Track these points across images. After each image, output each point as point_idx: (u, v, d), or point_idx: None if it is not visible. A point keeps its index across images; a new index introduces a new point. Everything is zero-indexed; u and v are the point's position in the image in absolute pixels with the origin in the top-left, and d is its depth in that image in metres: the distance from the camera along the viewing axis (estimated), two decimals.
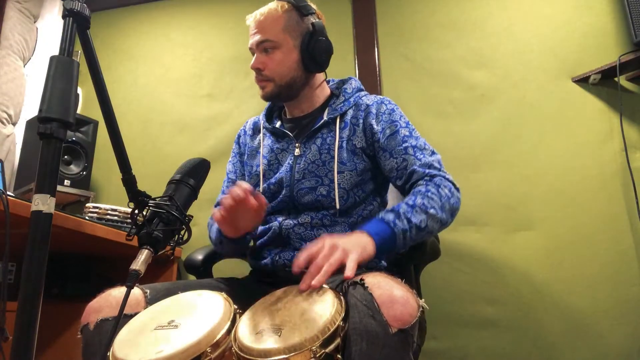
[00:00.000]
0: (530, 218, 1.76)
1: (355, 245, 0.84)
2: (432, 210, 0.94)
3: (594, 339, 1.61)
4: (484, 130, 1.89)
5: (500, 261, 1.75)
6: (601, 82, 1.80)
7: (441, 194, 0.98)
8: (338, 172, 1.07)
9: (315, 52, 1.10)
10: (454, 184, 1.03)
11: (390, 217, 0.92)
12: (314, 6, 1.14)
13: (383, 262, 1.09)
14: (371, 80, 2.05)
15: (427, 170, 1.03)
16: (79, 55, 1.86)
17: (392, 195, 1.38)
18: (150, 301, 0.92)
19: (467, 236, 1.79)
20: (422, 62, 2.04)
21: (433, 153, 1.08)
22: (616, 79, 1.76)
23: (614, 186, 1.71)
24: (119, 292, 0.90)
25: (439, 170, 1.04)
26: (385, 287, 0.74)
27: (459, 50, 2.00)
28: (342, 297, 0.77)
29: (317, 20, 1.11)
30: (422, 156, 1.05)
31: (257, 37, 1.10)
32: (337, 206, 1.06)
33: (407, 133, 1.09)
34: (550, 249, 1.72)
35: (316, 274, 0.78)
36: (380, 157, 1.09)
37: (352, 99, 1.15)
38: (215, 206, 1.27)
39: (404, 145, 1.07)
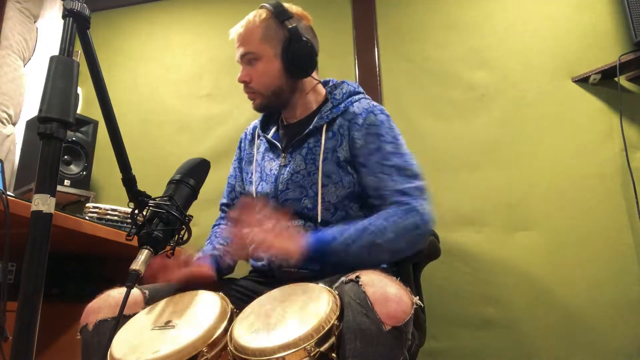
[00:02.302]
0: (530, 218, 1.76)
1: (281, 246, 0.90)
2: (380, 239, 0.91)
3: (594, 339, 1.60)
4: (484, 130, 1.89)
5: (500, 261, 1.75)
6: (601, 82, 1.80)
7: (403, 223, 0.93)
8: (323, 186, 1.05)
9: (295, 57, 1.07)
10: (425, 214, 0.95)
11: (335, 232, 0.94)
12: (295, 9, 1.12)
13: (383, 264, 1.09)
14: (371, 80, 2.05)
15: (398, 199, 0.97)
16: (79, 55, 1.86)
17: None
18: (148, 301, 0.92)
19: (467, 236, 1.79)
20: (422, 62, 2.04)
21: (414, 177, 1.00)
22: (616, 79, 1.75)
23: (614, 186, 1.71)
24: (117, 292, 0.90)
25: (414, 198, 0.96)
26: (378, 285, 0.74)
27: (459, 50, 2.00)
28: (337, 296, 0.78)
29: (293, 25, 1.07)
30: (399, 179, 0.99)
31: (240, 51, 1.11)
32: (319, 219, 1.04)
33: (391, 149, 1.03)
34: (550, 249, 1.72)
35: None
36: (360, 172, 1.05)
37: (341, 105, 1.11)
38: (220, 209, 1.28)
39: (384, 163, 1.01)
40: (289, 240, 0.90)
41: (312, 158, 1.08)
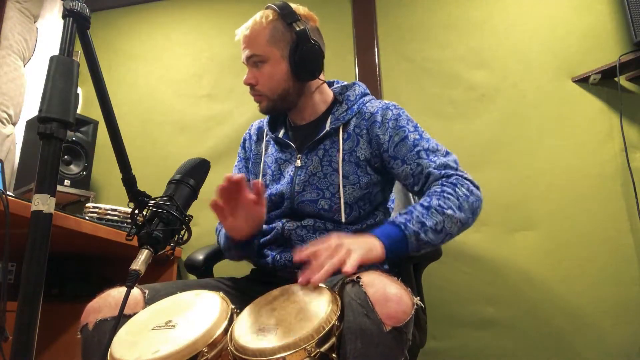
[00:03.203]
0: (530, 218, 1.76)
1: (361, 246, 0.83)
2: (449, 211, 0.91)
3: (594, 339, 1.61)
4: (484, 130, 1.89)
5: (500, 261, 1.75)
6: (601, 82, 1.80)
7: (458, 193, 0.94)
8: (342, 186, 1.06)
9: (302, 60, 1.06)
10: (472, 182, 0.98)
11: (401, 219, 0.90)
12: (302, 10, 1.11)
13: (386, 265, 1.09)
14: (371, 80, 2.05)
15: (443, 171, 0.99)
16: (79, 55, 1.86)
17: (396, 195, 1.38)
18: (149, 301, 0.92)
19: (467, 236, 1.78)
20: (422, 63, 2.04)
21: (447, 153, 1.04)
22: (616, 79, 1.76)
23: (614, 186, 1.71)
24: (118, 292, 0.90)
25: (456, 170, 1.00)
26: (379, 285, 0.74)
27: (459, 50, 2.00)
28: (338, 296, 0.77)
29: (301, 28, 1.05)
30: (436, 158, 1.01)
31: (246, 52, 1.09)
32: (343, 220, 1.05)
33: (417, 136, 1.05)
34: (550, 249, 1.72)
35: (317, 271, 0.78)
36: (392, 166, 1.06)
37: (355, 107, 1.12)
38: None
39: (415, 149, 1.03)
40: (361, 238, 0.86)
41: (328, 160, 1.08)
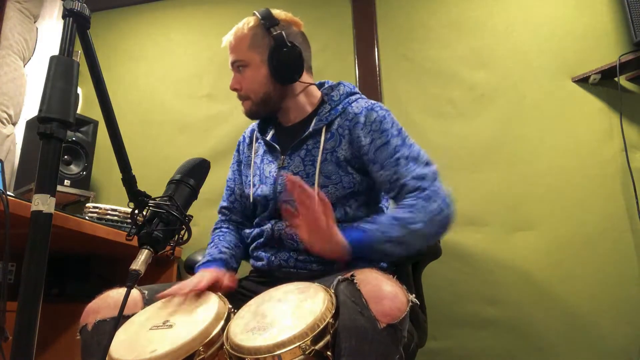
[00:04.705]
0: (530, 218, 1.76)
1: (324, 247, 0.89)
2: (415, 226, 0.92)
3: (594, 339, 1.60)
4: (484, 130, 1.89)
5: (500, 261, 1.75)
6: (601, 82, 1.80)
7: (429, 208, 0.95)
8: (322, 187, 1.05)
9: (281, 64, 1.08)
10: (446, 197, 0.98)
11: (366, 225, 0.94)
12: (283, 15, 1.14)
13: (383, 263, 1.09)
14: (371, 80, 2.05)
15: (418, 184, 0.98)
16: (79, 55, 1.86)
17: None
18: (147, 302, 0.92)
19: (467, 236, 1.79)
20: (422, 62, 2.04)
21: (427, 164, 1.03)
22: (616, 79, 1.76)
23: (614, 186, 1.71)
24: (117, 293, 0.90)
25: (433, 182, 0.99)
26: (373, 283, 0.75)
27: (459, 50, 2.00)
28: (333, 295, 0.78)
29: (278, 32, 1.08)
30: (414, 167, 1.01)
31: (230, 58, 1.14)
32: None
33: (399, 142, 1.04)
34: (550, 249, 1.72)
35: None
36: (370, 170, 1.06)
37: (339, 106, 1.12)
38: (219, 212, 1.28)
39: (395, 156, 1.02)
40: (331, 240, 0.90)
41: (310, 160, 1.08)
